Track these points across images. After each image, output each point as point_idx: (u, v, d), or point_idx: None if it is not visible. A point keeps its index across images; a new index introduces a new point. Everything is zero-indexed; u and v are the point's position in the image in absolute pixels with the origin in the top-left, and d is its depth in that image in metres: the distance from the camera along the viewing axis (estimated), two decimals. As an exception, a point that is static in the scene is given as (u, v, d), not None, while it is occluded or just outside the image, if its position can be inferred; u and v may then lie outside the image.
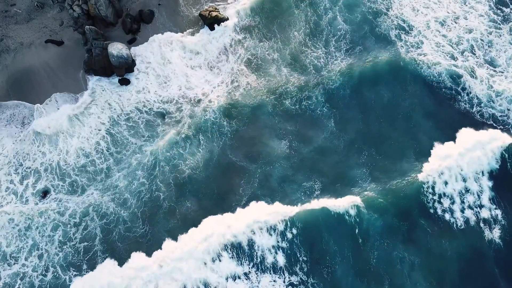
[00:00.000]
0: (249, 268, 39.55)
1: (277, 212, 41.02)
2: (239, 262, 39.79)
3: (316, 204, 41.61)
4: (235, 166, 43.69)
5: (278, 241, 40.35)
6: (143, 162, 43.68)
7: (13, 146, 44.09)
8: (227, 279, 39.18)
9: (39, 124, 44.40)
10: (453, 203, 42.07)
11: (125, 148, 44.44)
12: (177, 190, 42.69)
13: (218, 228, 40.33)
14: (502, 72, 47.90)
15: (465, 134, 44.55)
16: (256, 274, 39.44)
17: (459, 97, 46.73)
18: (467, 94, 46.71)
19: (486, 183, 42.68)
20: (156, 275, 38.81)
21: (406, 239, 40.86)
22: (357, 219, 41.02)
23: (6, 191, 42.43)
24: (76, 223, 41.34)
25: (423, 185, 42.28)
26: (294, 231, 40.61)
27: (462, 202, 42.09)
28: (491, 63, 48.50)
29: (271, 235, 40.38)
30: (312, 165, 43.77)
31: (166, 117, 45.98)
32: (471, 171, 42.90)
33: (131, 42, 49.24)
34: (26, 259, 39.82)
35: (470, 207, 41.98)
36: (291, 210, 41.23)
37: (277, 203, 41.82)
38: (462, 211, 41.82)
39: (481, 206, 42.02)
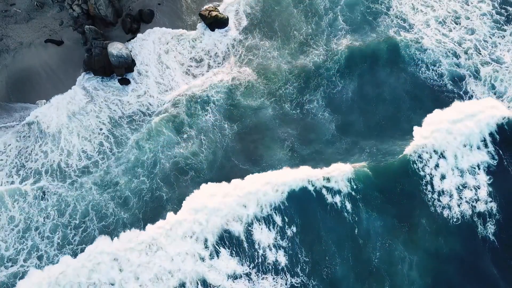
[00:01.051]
0: (248, 267, 39.44)
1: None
2: (237, 255, 39.72)
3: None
4: (238, 168, 43.46)
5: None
6: (141, 158, 43.49)
7: (17, 144, 43.94)
8: (227, 277, 39.05)
9: (37, 113, 44.66)
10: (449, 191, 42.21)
11: (125, 146, 44.37)
12: (180, 190, 42.47)
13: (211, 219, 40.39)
14: (508, 67, 47.85)
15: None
16: (256, 271, 39.36)
17: (461, 100, 46.62)
18: (469, 98, 46.56)
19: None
20: (151, 267, 38.72)
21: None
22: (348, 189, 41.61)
23: (6, 193, 42.24)
24: (76, 225, 41.11)
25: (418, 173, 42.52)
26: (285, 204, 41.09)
27: (459, 191, 42.14)
28: (496, 61, 48.38)
29: (270, 229, 40.49)
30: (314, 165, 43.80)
31: (164, 117, 45.88)
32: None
33: (131, 42, 49.18)
34: (25, 260, 39.64)
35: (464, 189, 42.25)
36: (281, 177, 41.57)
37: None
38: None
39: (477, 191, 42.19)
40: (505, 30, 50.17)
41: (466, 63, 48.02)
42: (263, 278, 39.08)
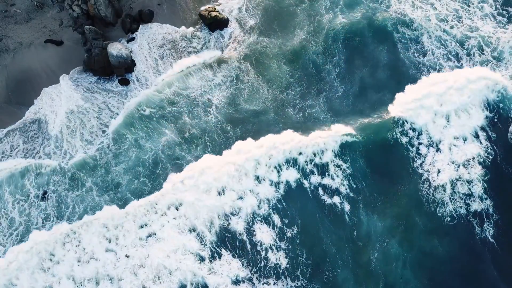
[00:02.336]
0: (250, 268, 39.48)
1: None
2: (236, 255, 39.90)
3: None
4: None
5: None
6: (142, 158, 43.43)
7: (24, 146, 43.82)
8: (231, 279, 39.05)
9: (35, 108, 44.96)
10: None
11: (124, 143, 44.37)
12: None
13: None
14: (507, 63, 48.22)
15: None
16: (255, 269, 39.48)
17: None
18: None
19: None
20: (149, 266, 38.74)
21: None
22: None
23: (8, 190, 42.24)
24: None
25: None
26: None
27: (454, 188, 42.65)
28: (497, 58, 48.48)
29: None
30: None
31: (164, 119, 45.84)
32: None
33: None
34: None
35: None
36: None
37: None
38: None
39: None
40: (507, 28, 50.09)
41: (467, 63, 48.31)
42: (264, 283, 39.13)
